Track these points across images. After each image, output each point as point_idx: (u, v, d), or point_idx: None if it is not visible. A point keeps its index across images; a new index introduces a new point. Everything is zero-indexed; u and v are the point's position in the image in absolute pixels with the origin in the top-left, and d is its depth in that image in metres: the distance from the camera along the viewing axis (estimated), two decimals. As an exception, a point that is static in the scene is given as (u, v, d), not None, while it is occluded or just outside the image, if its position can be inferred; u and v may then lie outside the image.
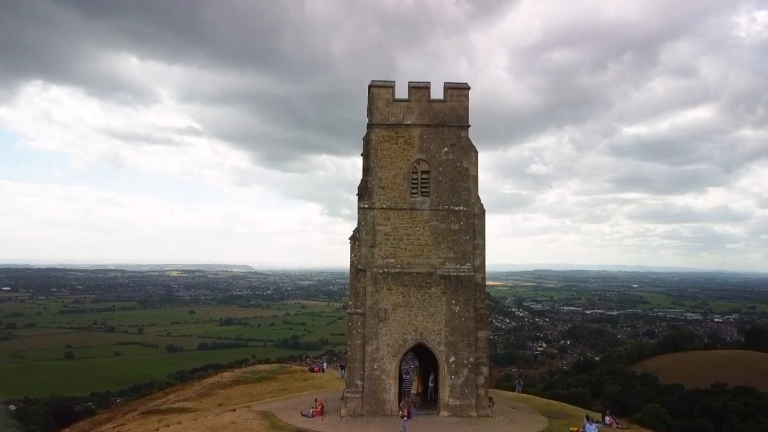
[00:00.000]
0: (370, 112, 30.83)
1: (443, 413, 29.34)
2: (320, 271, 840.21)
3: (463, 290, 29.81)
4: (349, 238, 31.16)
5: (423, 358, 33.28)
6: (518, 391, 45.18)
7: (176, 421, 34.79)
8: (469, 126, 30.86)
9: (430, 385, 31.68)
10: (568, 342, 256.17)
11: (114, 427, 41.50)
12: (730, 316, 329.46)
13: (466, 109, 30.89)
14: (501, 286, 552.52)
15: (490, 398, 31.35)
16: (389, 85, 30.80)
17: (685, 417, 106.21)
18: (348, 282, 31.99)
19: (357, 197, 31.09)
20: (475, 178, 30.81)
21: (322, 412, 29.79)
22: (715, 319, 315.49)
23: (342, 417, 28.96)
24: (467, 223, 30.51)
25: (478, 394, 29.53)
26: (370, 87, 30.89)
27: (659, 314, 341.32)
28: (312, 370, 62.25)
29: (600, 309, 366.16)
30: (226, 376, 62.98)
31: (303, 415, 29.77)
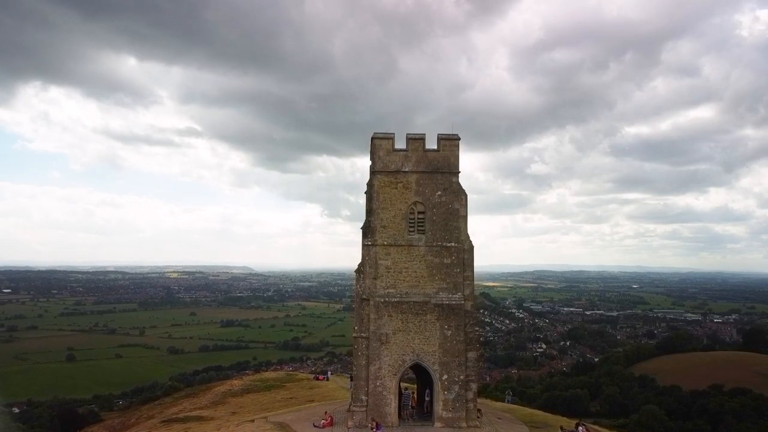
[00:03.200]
0: (373, 161, 35.58)
1: (437, 424, 34.07)
2: (320, 272, 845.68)
3: (455, 317, 34.53)
4: (355, 271, 35.93)
5: (420, 375, 38.03)
6: (508, 402, 49.90)
7: (200, 431, 39.49)
8: (459, 172, 35.56)
9: (426, 399, 36.39)
10: (568, 343, 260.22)
11: (140, 435, 46.11)
12: (729, 317, 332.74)
13: (457, 157, 35.58)
14: (501, 287, 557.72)
15: (479, 410, 36.07)
16: (389, 137, 35.52)
17: (682, 418, 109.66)
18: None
19: (361, 235, 35.81)
20: (465, 218, 35.49)
21: (331, 424, 34.53)
22: (715, 320, 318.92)
23: (349, 428, 33.68)
24: (458, 257, 35.23)
25: (467, 408, 34.22)
26: (372, 138, 35.62)
27: (659, 315, 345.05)
28: (317, 378, 67.15)
29: (600, 310, 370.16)
30: (236, 384, 67.83)
31: (315, 426, 34.49)
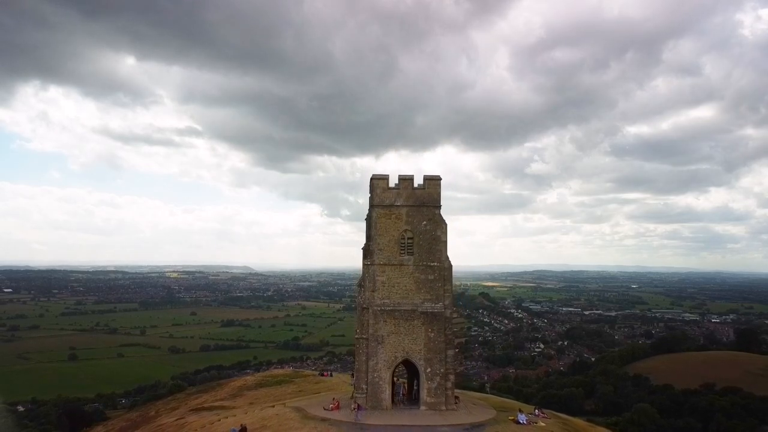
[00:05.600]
0: (372, 197, 45.41)
1: (423, 408, 43.74)
2: (320, 272, 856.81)
3: (437, 322, 44.20)
4: (357, 285, 45.69)
5: (409, 369, 47.76)
6: (487, 392, 59.53)
7: (231, 414, 49.04)
8: (441, 206, 45.30)
9: (415, 388, 46.07)
10: (566, 343, 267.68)
11: (176, 420, 55.62)
12: (727, 317, 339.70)
13: (439, 194, 45.35)
14: (500, 287, 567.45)
15: (457, 397, 45.73)
16: (385, 177, 45.32)
17: (674, 416, 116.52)
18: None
19: (362, 256, 45.59)
20: (445, 242, 45.19)
21: (338, 407, 44.17)
22: (713, 320, 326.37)
23: (352, 410, 43.24)
24: (440, 274, 44.94)
25: (447, 394, 43.90)
26: (371, 179, 45.48)
27: (657, 315, 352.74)
28: (322, 375, 77.09)
29: (598, 310, 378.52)
30: (250, 380, 77.80)
31: (325, 409, 44.09)
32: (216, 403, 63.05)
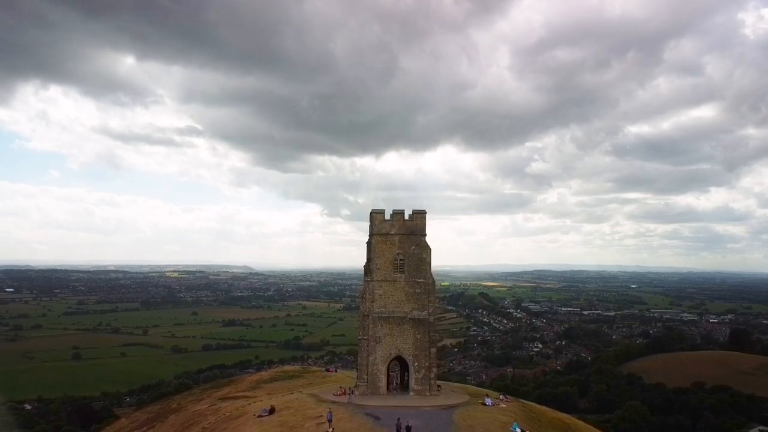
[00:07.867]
0: (371, 227, 59.00)
1: (411, 393, 57.29)
2: (320, 272, 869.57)
3: (422, 326, 57.64)
4: (359, 296, 59.02)
5: (401, 363, 61.22)
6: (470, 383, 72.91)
7: (258, 400, 62.29)
8: (426, 234, 58.75)
9: (405, 378, 59.44)
10: (564, 343, 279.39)
11: (209, 406, 68.90)
12: (725, 317, 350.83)
13: (424, 224, 59.10)
14: (500, 287, 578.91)
15: (439, 385, 59.22)
16: (381, 212, 58.91)
17: (665, 414, 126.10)
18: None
19: (363, 273, 58.97)
20: (429, 263, 58.74)
21: (344, 394, 57.50)
22: (711, 320, 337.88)
23: (356, 395, 56.56)
24: (425, 288, 58.49)
25: (430, 383, 57.41)
26: (371, 213, 59.18)
27: (655, 315, 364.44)
28: (327, 371, 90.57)
29: (597, 310, 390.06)
30: (264, 375, 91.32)
31: (334, 395, 57.44)
32: (239, 394, 76.19)
